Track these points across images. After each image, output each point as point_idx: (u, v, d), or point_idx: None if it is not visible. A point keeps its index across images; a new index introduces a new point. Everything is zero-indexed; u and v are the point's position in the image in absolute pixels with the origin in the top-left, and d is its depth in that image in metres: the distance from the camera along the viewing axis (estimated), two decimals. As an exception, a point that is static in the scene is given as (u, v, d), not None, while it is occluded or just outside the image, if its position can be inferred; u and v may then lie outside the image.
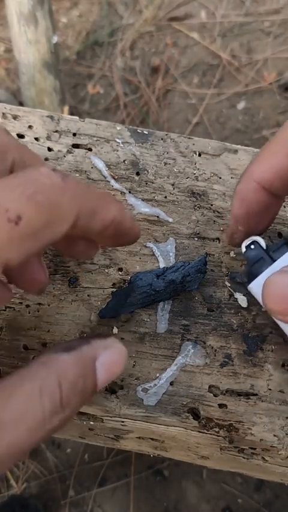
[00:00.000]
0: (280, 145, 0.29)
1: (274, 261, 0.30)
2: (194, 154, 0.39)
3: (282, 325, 0.31)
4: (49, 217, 0.23)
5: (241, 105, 1.55)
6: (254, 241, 0.31)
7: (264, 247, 0.31)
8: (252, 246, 0.31)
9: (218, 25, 1.64)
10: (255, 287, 0.31)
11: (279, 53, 1.59)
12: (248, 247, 0.31)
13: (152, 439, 0.36)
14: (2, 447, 0.22)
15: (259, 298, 0.31)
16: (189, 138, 0.39)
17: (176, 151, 0.39)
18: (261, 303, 0.30)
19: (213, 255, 0.36)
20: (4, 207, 0.21)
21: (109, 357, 0.27)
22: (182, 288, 0.34)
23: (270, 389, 0.33)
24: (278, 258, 0.30)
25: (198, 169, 0.38)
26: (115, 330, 0.34)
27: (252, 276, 0.31)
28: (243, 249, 0.32)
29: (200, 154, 0.39)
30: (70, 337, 0.33)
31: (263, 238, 0.31)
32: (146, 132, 0.39)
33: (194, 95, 1.56)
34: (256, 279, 0.31)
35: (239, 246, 0.32)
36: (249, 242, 0.31)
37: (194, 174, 0.38)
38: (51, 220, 0.23)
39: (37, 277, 0.30)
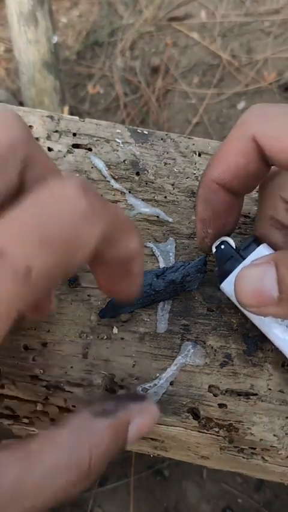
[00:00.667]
0: (233, 144, 0.29)
1: (244, 258, 0.31)
2: (194, 155, 0.39)
3: (255, 319, 0.31)
4: (66, 253, 0.19)
5: (241, 105, 1.55)
6: (224, 241, 0.32)
7: (234, 247, 0.31)
8: (222, 246, 0.32)
9: (218, 25, 1.65)
10: (227, 286, 0.31)
11: (279, 53, 1.59)
12: (218, 247, 0.32)
13: (152, 438, 0.36)
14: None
15: (232, 297, 0.31)
16: (189, 138, 0.39)
17: (176, 151, 0.39)
18: (234, 301, 0.30)
19: (213, 255, 0.36)
20: (12, 262, 0.17)
21: (142, 420, 0.27)
22: (181, 288, 0.34)
23: (270, 389, 0.33)
24: (248, 255, 0.31)
25: (198, 169, 0.38)
26: (115, 330, 0.34)
27: (223, 275, 0.31)
28: (214, 250, 0.32)
29: (200, 155, 0.39)
30: (70, 337, 0.33)
31: (231, 238, 0.32)
32: (146, 132, 0.39)
33: (194, 95, 1.56)
34: (227, 278, 0.31)
35: (211, 250, 0.32)
36: (218, 243, 0.32)
37: (194, 174, 0.38)
38: (69, 256, 0.19)
39: (45, 307, 0.29)
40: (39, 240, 0.18)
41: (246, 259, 0.31)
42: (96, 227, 0.19)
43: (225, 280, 0.31)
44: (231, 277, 0.31)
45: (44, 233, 0.18)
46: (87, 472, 0.23)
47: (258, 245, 0.31)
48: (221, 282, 0.32)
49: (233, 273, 0.31)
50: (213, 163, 0.30)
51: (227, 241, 0.32)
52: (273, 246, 0.31)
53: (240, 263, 0.31)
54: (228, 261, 0.31)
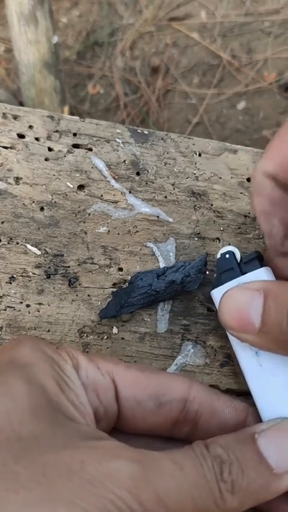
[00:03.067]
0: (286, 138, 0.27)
1: (243, 273, 0.30)
2: (194, 154, 0.39)
3: (231, 339, 0.31)
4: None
5: (241, 105, 1.55)
6: (230, 251, 0.31)
7: (238, 259, 0.31)
8: (227, 256, 0.31)
9: (218, 25, 1.65)
10: (217, 294, 0.31)
11: (280, 53, 1.59)
12: (223, 255, 0.32)
13: (152, 439, 0.36)
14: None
15: (217, 305, 0.31)
16: (189, 138, 0.39)
17: (176, 151, 0.39)
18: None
19: (214, 255, 0.36)
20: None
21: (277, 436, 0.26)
22: (182, 288, 0.34)
23: (270, 389, 0.33)
24: (247, 272, 0.30)
25: (198, 169, 0.38)
26: (115, 330, 0.34)
27: (217, 283, 0.31)
28: (218, 256, 0.32)
29: (200, 154, 0.39)
30: (70, 337, 0.33)
31: (238, 249, 0.32)
32: (146, 132, 0.39)
33: (194, 95, 1.56)
34: (220, 287, 0.31)
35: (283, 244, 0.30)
36: (225, 251, 0.32)
37: (194, 174, 0.38)
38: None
39: None
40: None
41: (243, 276, 0.30)
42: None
43: (217, 288, 0.31)
44: (223, 288, 0.30)
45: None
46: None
47: (260, 262, 0.30)
48: (213, 288, 0.32)
49: (227, 284, 0.30)
50: (267, 154, 0.28)
51: (232, 252, 0.31)
52: (275, 269, 0.30)
53: (236, 277, 0.30)
54: (227, 271, 0.31)
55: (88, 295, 0.34)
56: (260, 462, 0.24)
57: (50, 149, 0.38)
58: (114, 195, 0.37)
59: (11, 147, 0.37)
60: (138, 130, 0.39)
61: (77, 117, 0.39)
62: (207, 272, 0.34)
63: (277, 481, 0.24)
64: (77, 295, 0.34)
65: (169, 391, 0.26)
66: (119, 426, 0.27)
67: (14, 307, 0.34)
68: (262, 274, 0.30)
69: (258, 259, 0.30)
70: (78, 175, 0.37)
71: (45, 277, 0.34)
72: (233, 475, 0.22)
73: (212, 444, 0.24)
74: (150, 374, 0.26)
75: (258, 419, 0.28)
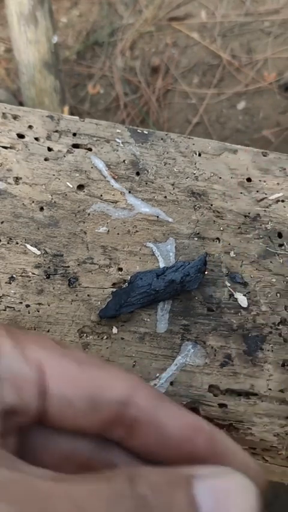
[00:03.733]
0: None
1: None
2: (194, 154, 0.39)
3: None
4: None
5: (241, 105, 1.55)
6: None
7: None
8: None
9: (218, 25, 1.64)
10: None
11: (280, 53, 1.59)
12: None
13: (152, 439, 0.36)
14: None
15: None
16: (189, 138, 0.39)
17: (176, 151, 0.39)
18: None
19: (213, 255, 0.36)
20: None
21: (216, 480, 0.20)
22: (182, 288, 0.34)
23: (270, 389, 0.33)
24: None
25: (198, 169, 0.38)
26: (115, 330, 0.34)
27: None
28: None
29: (200, 154, 0.39)
30: (70, 337, 0.33)
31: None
32: (146, 132, 0.39)
33: (194, 95, 1.56)
34: None
35: None
36: None
37: (194, 174, 0.38)
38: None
39: None
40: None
41: None
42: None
43: None
44: None
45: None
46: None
47: None
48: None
49: None
50: None
51: None
52: None
53: None
54: None
55: (88, 295, 0.34)
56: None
57: (49, 149, 0.38)
58: (113, 195, 0.37)
59: (10, 147, 0.37)
60: (138, 130, 0.39)
61: (76, 117, 0.39)
62: (206, 272, 0.34)
63: None
64: (76, 295, 0.34)
65: (107, 392, 0.22)
66: (43, 422, 0.22)
67: (13, 307, 0.34)
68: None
69: None
70: (77, 175, 0.37)
71: (45, 277, 0.34)
72: None
73: (139, 480, 0.18)
74: (88, 368, 0.22)
75: (212, 442, 0.22)
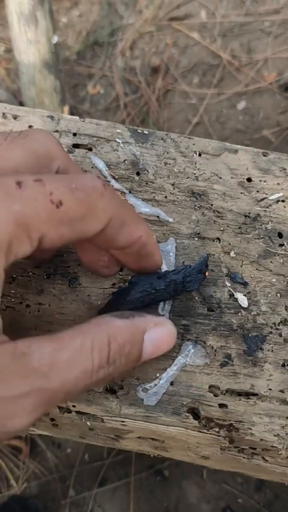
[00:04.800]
0: None
1: None
2: (194, 154, 0.39)
3: None
4: (86, 212, 0.26)
5: (241, 105, 1.55)
6: None
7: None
8: None
9: (218, 25, 1.64)
10: None
11: (280, 53, 1.59)
12: None
13: (152, 439, 0.36)
14: (57, 382, 0.25)
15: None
16: (189, 138, 0.39)
17: (176, 151, 0.39)
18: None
19: (213, 255, 0.36)
20: (49, 190, 0.25)
21: (158, 333, 0.30)
22: (182, 288, 0.34)
23: (270, 389, 0.33)
24: None
25: (198, 169, 0.38)
26: (115, 330, 0.34)
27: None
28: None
29: (200, 154, 0.39)
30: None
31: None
32: (146, 132, 0.39)
33: (194, 95, 1.56)
34: None
35: None
36: None
37: (194, 174, 0.38)
38: (87, 216, 0.26)
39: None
40: (70, 189, 0.25)
41: None
42: (109, 205, 0.27)
43: None
44: None
45: (74, 187, 0.25)
46: (107, 360, 0.27)
47: None
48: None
49: None
50: None
51: None
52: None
53: None
54: None
55: (88, 295, 0.34)
56: (138, 360, 0.29)
57: (49, 149, 0.38)
58: (114, 195, 0.37)
59: (10, 147, 0.37)
60: (138, 130, 0.39)
61: (77, 117, 0.39)
62: (207, 273, 0.34)
63: (133, 367, 0.31)
64: (76, 295, 0.34)
65: (87, 235, 0.27)
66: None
67: (14, 307, 0.34)
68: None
69: None
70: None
71: (45, 277, 0.34)
72: (110, 375, 0.27)
73: (112, 342, 0.27)
74: (77, 223, 0.26)
75: (142, 249, 0.31)
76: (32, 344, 0.25)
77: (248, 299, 0.35)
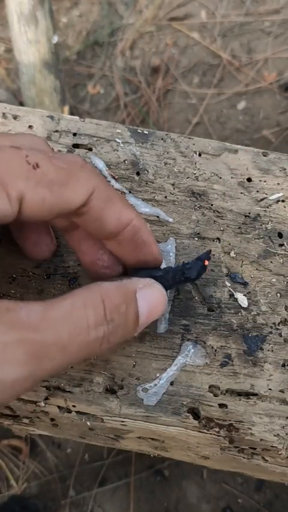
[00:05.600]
0: None
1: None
2: (194, 154, 0.39)
3: None
4: (66, 179, 0.26)
5: (241, 105, 1.55)
6: None
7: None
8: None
9: (218, 25, 1.64)
10: None
11: (280, 53, 1.59)
12: None
13: (152, 439, 0.36)
14: (49, 335, 0.24)
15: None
16: (189, 138, 0.39)
17: (176, 151, 0.39)
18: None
19: (213, 255, 0.36)
20: (25, 153, 0.25)
21: (149, 293, 0.29)
22: (181, 275, 0.32)
23: (270, 389, 0.33)
24: None
25: (198, 169, 0.38)
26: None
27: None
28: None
29: (200, 154, 0.39)
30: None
31: None
32: (146, 132, 0.39)
33: (194, 95, 1.56)
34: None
35: None
36: None
37: (194, 174, 0.38)
38: (68, 182, 0.26)
39: (45, 243, 0.32)
40: (48, 156, 0.25)
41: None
42: (90, 176, 0.27)
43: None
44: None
45: (52, 155, 0.26)
46: (103, 316, 0.26)
47: None
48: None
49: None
50: None
51: None
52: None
53: None
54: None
55: (88, 295, 0.34)
56: (136, 322, 0.29)
57: (50, 149, 0.38)
58: (114, 195, 0.37)
59: (10, 147, 0.37)
60: (138, 130, 0.39)
61: (77, 117, 0.39)
62: (206, 262, 0.33)
63: (134, 334, 0.29)
64: (76, 295, 0.34)
65: (71, 204, 0.27)
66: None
67: (13, 307, 0.34)
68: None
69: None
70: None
71: (45, 277, 0.34)
72: (116, 338, 0.27)
73: (107, 302, 0.26)
74: (58, 188, 0.26)
75: (135, 235, 0.30)
76: (20, 303, 0.24)
77: (248, 299, 0.35)
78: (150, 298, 0.29)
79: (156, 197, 0.37)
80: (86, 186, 0.27)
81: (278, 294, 0.35)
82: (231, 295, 0.35)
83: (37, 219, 0.27)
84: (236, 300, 0.35)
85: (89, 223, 0.29)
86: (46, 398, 0.33)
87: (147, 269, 0.32)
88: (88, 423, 0.34)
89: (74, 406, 0.33)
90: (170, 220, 0.37)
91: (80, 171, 0.27)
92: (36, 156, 0.25)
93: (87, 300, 0.26)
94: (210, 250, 0.33)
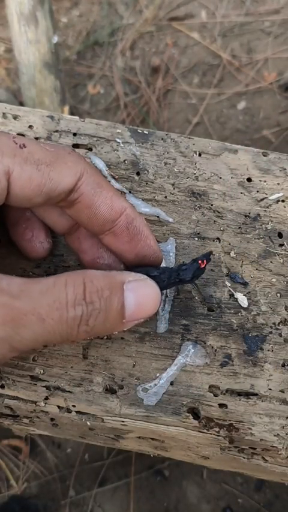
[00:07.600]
0: None
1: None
2: (194, 154, 0.39)
3: None
4: (53, 160, 0.26)
5: (241, 105, 1.55)
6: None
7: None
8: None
9: (218, 25, 1.64)
10: None
11: (280, 53, 1.59)
12: None
13: (152, 439, 0.36)
14: (26, 303, 0.25)
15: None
16: (189, 138, 0.39)
17: (176, 151, 0.39)
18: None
19: (213, 255, 0.36)
20: (12, 136, 0.26)
21: (138, 285, 0.29)
22: (176, 276, 0.32)
23: (270, 389, 0.33)
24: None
25: (198, 169, 0.38)
26: (115, 330, 0.34)
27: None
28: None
29: (200, 154, 0.39)
30: (70, 337, 0.33)
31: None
32: (146, 132, 0.39)
33: (194, 95, 1.56)
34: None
35: None
36: None
37: (194, 174, 0.38)
38: (56, 163, 0.26)
39: (39, 242, 0.33)
40: (36, 141, 0.26)
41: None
42: (79, 160, 0.28)
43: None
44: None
45: (40, 141, 0.25)
46: (83, 295, 0.26)
47: None
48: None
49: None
50: None
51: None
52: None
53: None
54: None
55: (88, 295, 0.34)
56: (120, 312, 0.28)
57: (50, 149, 0.38)
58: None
59: (11, 147, 0.37)
60: (139, 130, 0.39)
61: (77, 117, 0.39)
62: (203, 264, 0.32)
63: (121, 327, 0.29)
64: (77, 295, 0.34)
65: (59, 186, 0.27)
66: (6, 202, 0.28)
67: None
68: None
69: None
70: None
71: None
72: (96, 323, 0.27)
73: (89, 286, 0.26)
74: (45, 168, 0.27)
75: (130, 225, 0.30)
76: (2, 275, 0.25)
77: (248, 299, 0.35)
78: (139, 291, 0.29)
79: (156, 197, 0.37)
80: (73, 169, 0.27)
81: (278, 294, 0.35)
82: (231, 295, 0.35)
83: (28, 201, 0.27)
84: (236, 300, 0.35)
85: (82, 212, 0.29)
86: (46, 398, 0.33)
87: (145, 268, 0.32)
88: (88, 423, 0.34)
89: (74, 406, 0.33)
90: (170, 220, 0.37)
91: (68, 156, 0.27)
92: (23, 138, 0.26)
93: (69, 279, 0.26)
94: (211, 252, 0.33)
